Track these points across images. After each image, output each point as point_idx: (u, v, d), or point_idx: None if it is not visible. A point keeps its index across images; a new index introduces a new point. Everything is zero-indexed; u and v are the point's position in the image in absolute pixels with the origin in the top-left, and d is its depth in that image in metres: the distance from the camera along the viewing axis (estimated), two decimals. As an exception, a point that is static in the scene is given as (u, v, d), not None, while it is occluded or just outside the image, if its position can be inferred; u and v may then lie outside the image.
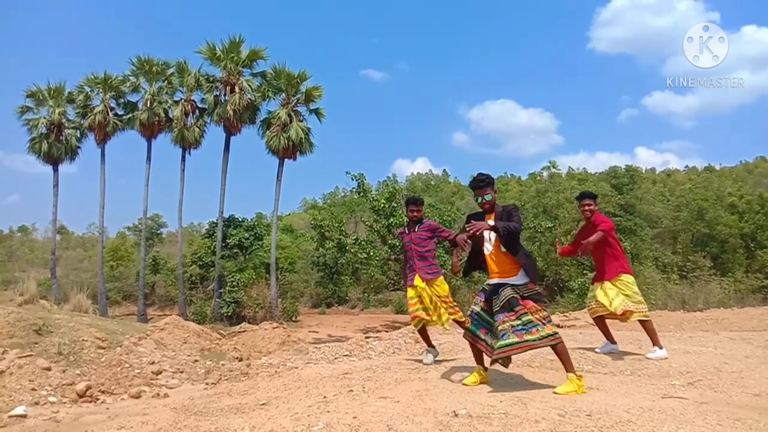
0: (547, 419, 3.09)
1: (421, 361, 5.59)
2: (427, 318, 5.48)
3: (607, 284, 5.48)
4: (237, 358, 9.25)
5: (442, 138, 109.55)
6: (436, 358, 5.71)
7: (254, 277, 26.70)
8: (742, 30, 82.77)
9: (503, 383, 4.19)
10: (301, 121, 26.25)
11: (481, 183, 4.16)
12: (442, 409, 3.35)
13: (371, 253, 21.16)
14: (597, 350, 5.66)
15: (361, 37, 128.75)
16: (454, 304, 5.60)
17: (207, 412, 3.94)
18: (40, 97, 27.23)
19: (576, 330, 9.06)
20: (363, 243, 21.81)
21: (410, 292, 5.53)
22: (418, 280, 5.50)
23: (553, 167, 35.40)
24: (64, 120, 27.40)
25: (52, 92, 27.26)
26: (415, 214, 5.72)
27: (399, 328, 9.96)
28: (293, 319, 26.63)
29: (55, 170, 28.24)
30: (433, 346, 5.84)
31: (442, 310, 5.46)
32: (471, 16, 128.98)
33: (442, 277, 5.59)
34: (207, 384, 6.23)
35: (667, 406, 3.42)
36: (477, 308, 4.26)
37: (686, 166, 70.04)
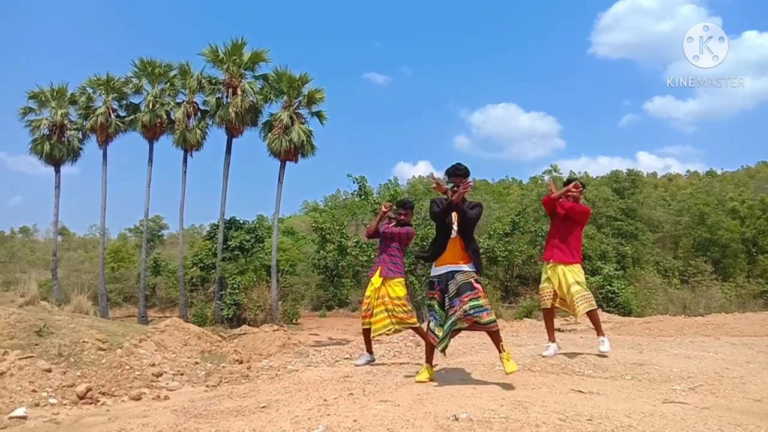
0: (547, 423, 3.09)
1: (418, 364, 5.58)
2: (365, 321, 5.69)
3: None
4: (237, 360, 9.25)
5: (444, 141, 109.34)
6: (368, 363, 5.90)
7: (255, 279, 26.71)
8: (744, 35, 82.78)
9: (504, 387, 4.18)
10: (303, 124, 26.29)
11: (458, 172, 4.46)
12: (443, 413, 3.35)
13: (372, 256, 21.14)
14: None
15: (364, 41, 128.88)
16: (408, 308, 5.61)
17: (207, 415, 3.94)
18: (43, 99, 27.28)
19: (576, 334, 9.05)
20: (364, 246, 21.79)
21: (368, 289, 5.75)
22: (376, 277, 5.65)
23: (555, 171, 35.57)
24: (66, 121, 27.45)
25: (54, 93, 27.32)
26: (403, 218, 5.76)
27: (399, 331, 9.93)
28: (294, 321, 26.63)
29: (57, 171, 28.31)
30: (370, 352, 6.00)
31: (381, 316, 5.55)
32: (473, 20, 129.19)
33: (402, 279, 5.64)
34: (207, 386, 6.22)
35: (668, 411, 3.41)
36: (435, 303, 4.35)
37: (688, 171, 70.03)
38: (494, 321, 4.23)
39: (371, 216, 23.26)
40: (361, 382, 4.69)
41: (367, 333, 5.79)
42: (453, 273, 4.29)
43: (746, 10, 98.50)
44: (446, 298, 4.28)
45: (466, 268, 4.31)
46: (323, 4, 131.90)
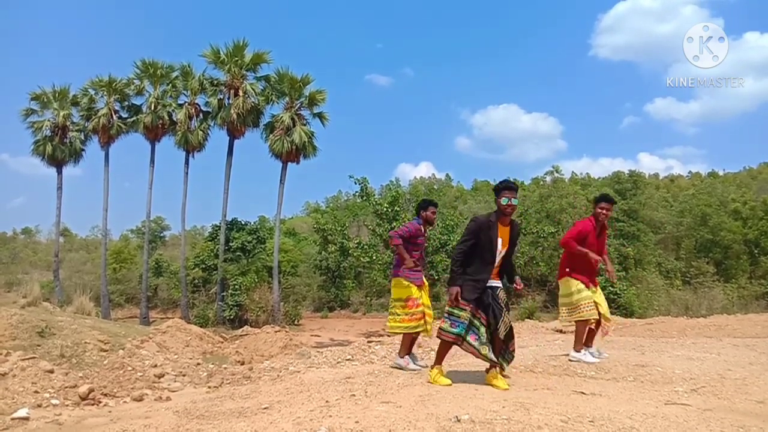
0: (550, 425, 3.08)
1: (423, 366, 5.58)
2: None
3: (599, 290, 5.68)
4: (239, 361, 9.26)
5: (446, 142, 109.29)
6: (417, 364, 5.54)
7: (257, 280, 26.73)
8: (745, 37, 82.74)
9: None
10: (305, 125, 26.31)
11: (515, 187, 4.48)
12: (445, 414, 3.34)
13: (374, 257, 21.17)
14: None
15: (366, 42, 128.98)
16: (402, 311, 5.35)
17: (209, 416, 3.94)
18: (45, 100, 27.35)
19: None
20: (366, 247, 21.83)
21: (416, 292, 5.42)
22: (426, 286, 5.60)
23: (557, 172, 35.46)
24: (68, 122, 27.52)
25: (56, 95, 27.40)
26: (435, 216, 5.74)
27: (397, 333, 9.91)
28: (295, 322, 26.63)
29: (59, 172, 28.37)
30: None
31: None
32: (474, 22, 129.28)
33: (398, 279, 5.46)
34: (209, 387, 6.23)
35: (670, 412, 3.41)
36: (468, 315, 4.33)
37: (690, 172, 69.76)
38: None
39: (373, 217, 23.28)
40: (363, 384, 4.69)
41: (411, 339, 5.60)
42: (494, 288, 4.42)
43: (748, 12, 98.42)
44: (489, 312, 4.34)
45: (500, 284, 4.51)
46: (325, 6, 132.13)
